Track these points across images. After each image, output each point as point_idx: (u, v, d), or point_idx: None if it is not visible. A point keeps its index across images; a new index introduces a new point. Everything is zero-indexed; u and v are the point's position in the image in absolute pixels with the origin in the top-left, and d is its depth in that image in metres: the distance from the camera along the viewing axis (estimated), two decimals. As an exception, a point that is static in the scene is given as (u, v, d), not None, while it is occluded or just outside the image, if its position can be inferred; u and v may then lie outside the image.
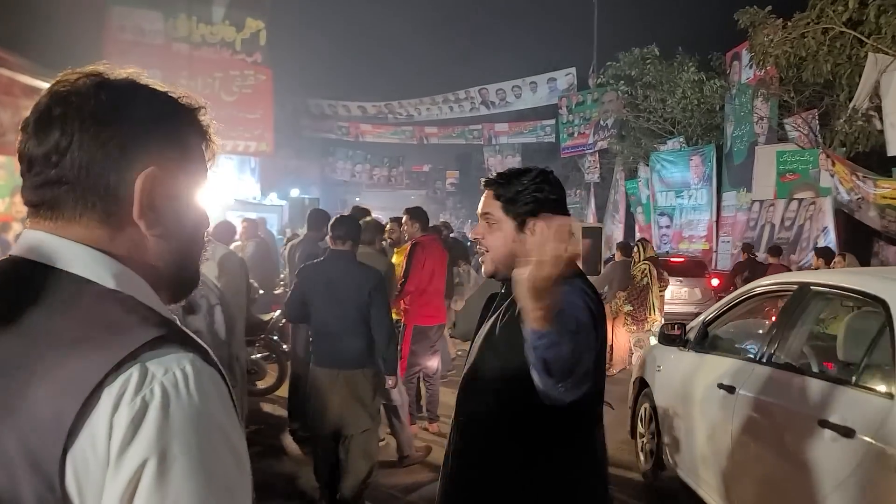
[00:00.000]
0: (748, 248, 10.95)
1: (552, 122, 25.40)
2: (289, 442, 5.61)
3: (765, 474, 3.23)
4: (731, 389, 3.53)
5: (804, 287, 3.58)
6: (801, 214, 11.70)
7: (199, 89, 13.27)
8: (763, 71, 11.94)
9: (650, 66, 16.99)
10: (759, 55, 10.89)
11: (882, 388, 2.65)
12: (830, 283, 3.49)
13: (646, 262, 8.40)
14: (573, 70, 24.46)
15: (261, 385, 6.96)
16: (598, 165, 23.41)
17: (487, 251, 1.87)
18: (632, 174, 20.31)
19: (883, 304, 2.83)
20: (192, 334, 0.82)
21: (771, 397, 3.26)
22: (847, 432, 2.60)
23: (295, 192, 20.99)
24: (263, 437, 5.76)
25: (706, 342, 4.25)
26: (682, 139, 17.31)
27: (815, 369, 3.31)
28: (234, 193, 15.60)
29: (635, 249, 8.73)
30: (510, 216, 1.82)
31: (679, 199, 17.27)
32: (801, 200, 11.86)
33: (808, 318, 3.53)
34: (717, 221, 15.98)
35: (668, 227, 17.86)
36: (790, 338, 3.45)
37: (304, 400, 5.39)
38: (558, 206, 1.83)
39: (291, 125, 25.68)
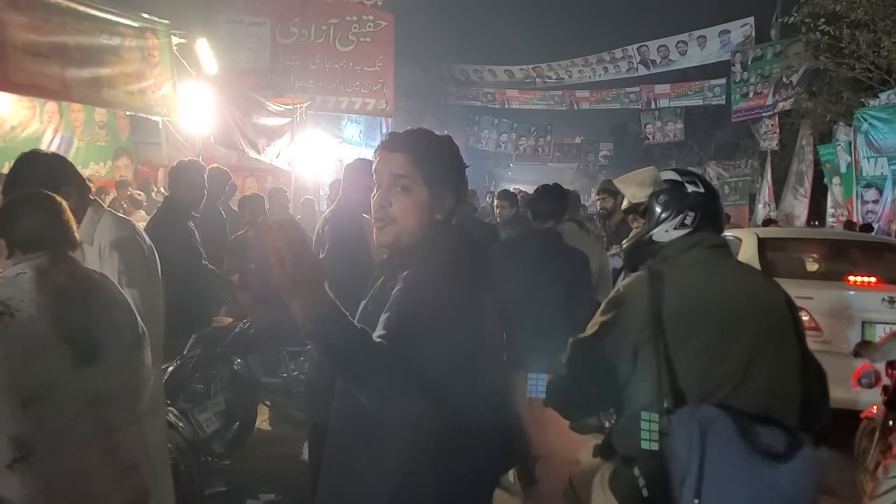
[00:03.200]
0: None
1: (722, 81, 21.42)
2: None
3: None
4: None
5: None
6: None
7: (311, 39, 11.27)
8: None
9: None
10: None
11: None
12: (731, 233, 6.23)
13: None
14: (750, 20, 20.29)
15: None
16: (778, 130, 19.28)
17: (391, 219, 1.68)
18: (824, 138, 16.21)
19: (740, 239, 5.95)
20: None
21: None
22: None
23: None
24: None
25: None
26: (901, 90, 13.17)
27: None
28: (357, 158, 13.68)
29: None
30: (427, 185, 1.68)
31: (894, 167, 13.20)
32: None
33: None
34: (951, 195, 11.84)
35: (875, 201, 13.77)
36: None
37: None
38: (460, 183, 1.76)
39: (435, 92, 23.57)
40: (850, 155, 14.35)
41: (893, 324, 5.09)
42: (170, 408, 3.21)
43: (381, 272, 1.77)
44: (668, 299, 1.90)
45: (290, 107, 9.56)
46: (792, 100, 17.76)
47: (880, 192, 13.58)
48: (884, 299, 5.22)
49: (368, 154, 11.06)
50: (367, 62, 11.22)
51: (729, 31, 20.61)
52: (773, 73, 18.86)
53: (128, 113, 6.29)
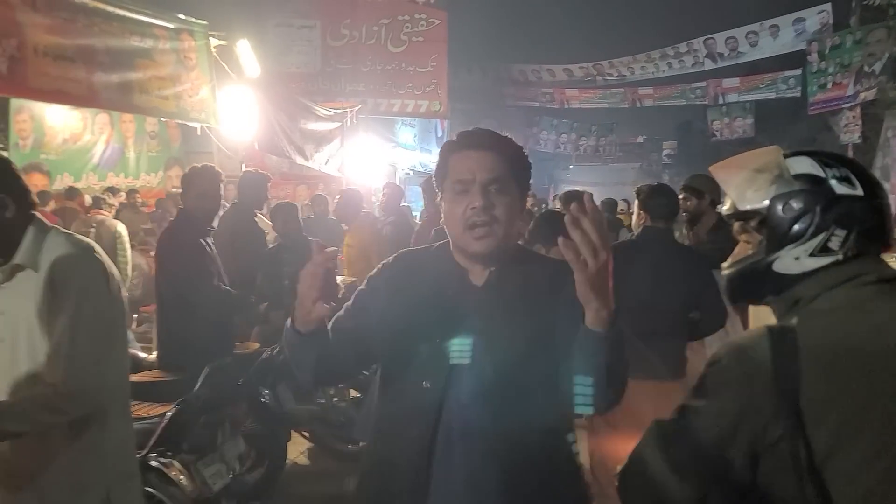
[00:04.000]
0: None
1: (797, 72, 20.07)
2: None
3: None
4: None
5: None
6: None
7: (363, 40, 10.84)
8: None
9: (960, -26, 11.67)
10: None
11: None
12: None
13: None
14: (827, 7, 18.94)
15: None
16: (860, 122, 17.87)
17: (497, 222, 1.50)
18: (913, 129, 14.80)
19: None
20: None
21: None
22: None
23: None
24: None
25: None
26: None
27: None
28: (412, 163, 13.20)
29: None
30: (518, 187, 1.56)
31: None
32: None
33: None
34: None
35: (977, 196, 12.43)
36: None
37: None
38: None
39: (493, 94, 22.95)
40: (947, 146, 13.04)
41: None
42: (172, 459, 2.73)
43: (490, 297, 1.52)
44: (809, 372, 1.15)
45: (340, 111, 9.14)
46: (875, 89, 16.43)
47: (983, 186, 12.24)
48: None
49: (424, 158, 10.37)
50: (419, 63, 10.72)
51: (804, 19, 19.31)
52: (854, 61, 17.54)
53: (162, 119, 5.95)
